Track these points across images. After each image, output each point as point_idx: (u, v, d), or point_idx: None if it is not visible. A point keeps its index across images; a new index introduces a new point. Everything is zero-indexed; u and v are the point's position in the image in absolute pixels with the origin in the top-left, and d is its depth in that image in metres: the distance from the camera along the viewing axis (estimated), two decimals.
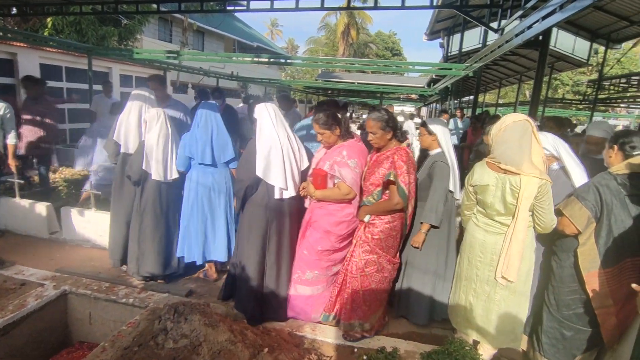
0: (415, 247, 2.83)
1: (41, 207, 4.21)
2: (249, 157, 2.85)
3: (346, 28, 32.65)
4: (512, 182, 2.18)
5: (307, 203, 2.95)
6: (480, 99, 21.18)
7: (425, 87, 16.40)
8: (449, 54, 11.88)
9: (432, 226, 2.78)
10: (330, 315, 2.84)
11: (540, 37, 4.05)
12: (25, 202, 4.26)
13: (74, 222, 4.06)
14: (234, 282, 3.02)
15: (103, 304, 3.06)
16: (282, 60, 7.91)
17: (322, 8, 5.30)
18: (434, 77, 15.30)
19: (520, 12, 4.42)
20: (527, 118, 2.18)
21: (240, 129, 5.10)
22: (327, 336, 2.72)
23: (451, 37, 11.97)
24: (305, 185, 2.86)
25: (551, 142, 2.51)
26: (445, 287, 2.92)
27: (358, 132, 3.52)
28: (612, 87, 12.32)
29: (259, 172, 2.73)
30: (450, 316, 2.63)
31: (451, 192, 2.86)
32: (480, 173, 2.33)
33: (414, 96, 23.24)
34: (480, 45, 9.29)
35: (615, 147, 2.19)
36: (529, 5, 4.16)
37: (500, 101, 19.46)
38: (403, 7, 5.06)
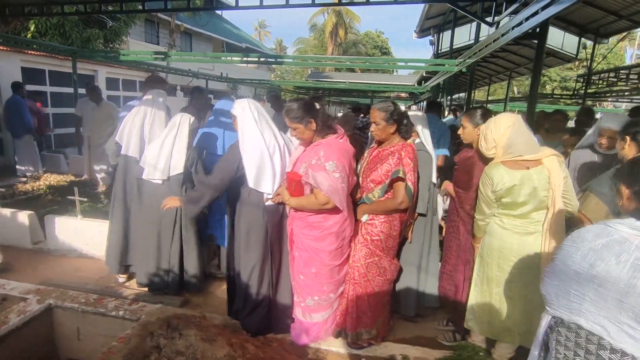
0: (406, 239, 2.75)
1: (23, 216, 3.99)
2: (228, 164, 2.55)
3: (334, 28, 32.56)
4: (538, 174, 2.10)
5: (287, 209, 2.58)
6: (479, 95, 21.33)
7: (416, 85, 16.38)
8: (439, 51, 11.86)
9: (419, 214, 2.74)
10: (341, 331, 2.63)
11: (538, 30, 3.98)
12: (6, 211, 4.05)
13: (58, 231, 3.86)
14: (234, 294, 2.84)
15: (91, 318, 2.88)
16: (273, 60, 7.78)
17: (313, 4, 5.17)
18: (424, 75, 15.38)
19: (516, 5, 4.35)
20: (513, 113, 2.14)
21: None
22: (331, 345, 2.58)
23: (441, 34, 11.96)
24: (279, 191, 2.51)
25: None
26: (428, 280, 2.92)
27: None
28: (599, 82, 12.40)
29: (251, 183, 2.49)
30: (472, 322, 2.45)
31: (433, 183, 2.82)
32: (499, 176, 2.17)
33: (403, 95, 23.24)
34: (472, 42, 9.28)
35: (628, 137, 2.09)
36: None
37: (490, 98, 19.54)
38: (396, 1, 4.98)
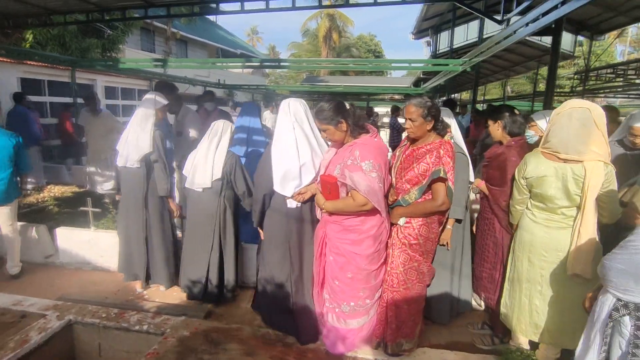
0: (443, 245, 2.66)
1: (33, 229, 3.87)
2: (264, 164, 2.54)
3: (328, 32, 32.60)
4: (574, 170, 2.02)
5: (318, 213, 2.51)
6: (465, 96, 21.38)
7: (412, 86, 16.40)
8: (437, 52, 11.88)
9: (456, 220, 2.66)
10: (380, 342, 2.52)
11: (554, 25, 3.96)
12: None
13: (71, 244, 3.74)
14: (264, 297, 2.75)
15: (113, 333, 2.77)
16: (276, 64, 7.71)
17: (292, 8, 5.08)
18: (421, 76, 15.43)
19: (528, 2, 4.34)
20: (588, 105, 2.01)
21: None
22: (368, 354, 2.49)
23: (438, 35, 11.99)
24: (303, 191, 2.44)
25: (546, 119, 2.51)
26: (462, 283, 2.86)
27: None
28: (593, 78, 12.48)
29: (276, 186, 2.43)
30: (509, 323, 2.40)
31: (470, 182, 2.76)
32: (536, 164, 2.15)
33: (397, 96, 23.25)
34: (471, 41, 9.31)
35: None
36: None
37: (485, 98, 19.60)
38: (404, 2, 4.95)
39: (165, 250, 3.22)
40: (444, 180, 2.24)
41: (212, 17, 20.80)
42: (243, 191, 2.98)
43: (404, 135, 2.65)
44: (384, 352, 2.47)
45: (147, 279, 3.27)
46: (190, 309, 3.04)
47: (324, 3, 5.02)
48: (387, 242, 2.44)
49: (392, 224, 2.44)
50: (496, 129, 2.69)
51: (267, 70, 33.18)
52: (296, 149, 2.42)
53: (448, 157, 2.26)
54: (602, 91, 13.91)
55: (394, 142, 8.86)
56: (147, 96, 3.10)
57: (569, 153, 2.03)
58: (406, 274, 2.39)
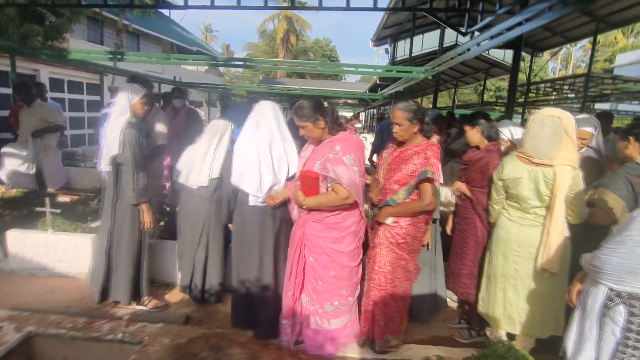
0: (422, 245, 2.75)
1: None
2: (230, 161, 2.61)
3: (286, 34, 32.57)
4: (545, 173, 2.20)
5: (295, 214, 2.55)
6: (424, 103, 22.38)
7: (367, 92, 16.84)
8: (394, 59, 12.32)
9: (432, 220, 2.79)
10: (366, 340, 2.57)
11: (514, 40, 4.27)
12: None
13: (23, 248, 3.38)
14: (242, 306, 2.68)
15: (82, 345, 2.55)
16: (241, 63, 7.54)
17: (265, 7, 5.05)
18: (377, 82, 15.93)
19: (491, 18, 4.65)
20: (559, 114, 2.19)
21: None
22: (355, 351, 2.52)
23: (396, 43, 12.46)
24: (274, 195, 2.48)
25: (510, 129, 2.96)
26: (439, 279, 2.98)
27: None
28: (534, 91, 13.61)
29: (233, 179, 2.50)
30: (486, 316, 2.55)
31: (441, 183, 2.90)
32: (512, 166, 2.32)
33: (350, 101, 23.69)
34: (434, 49, 9.77)
35: (631, 138, 2.29)
36: (500, 12, 4.40)
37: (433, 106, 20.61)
38: (375, 8, 5.09)
39: (128, 265, 2.84)
40: (431, 180, 2.32)
41: (166, 12, 19.89)
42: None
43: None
44: (372, 350, 2.51)
45: (104, 294, 2.92)
46: (167, 315, 2.88)
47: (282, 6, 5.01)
48: (369, 240, 2.52)
49: (378, 223, 2.48)
50: (475, 134, 2.82)
51: (221, 70, 32.44)
52: (256, 147, 2.46)
53: (435, 159, 2.35)
54: (540, 103, 15.24)
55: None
56: (121, 90, 2.83)
57: (541, 157, 2.21)
58: (394, 272, 2.44)
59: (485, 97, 31.71)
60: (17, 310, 2.74)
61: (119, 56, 7.02)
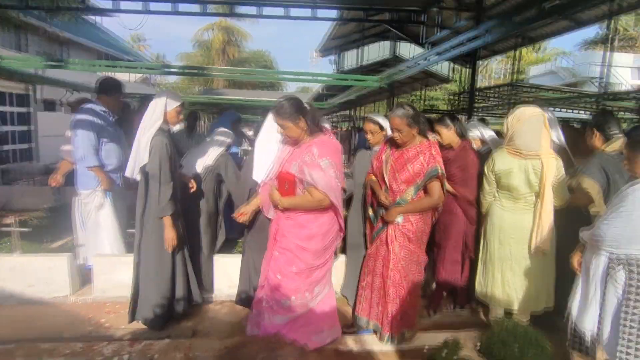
0: None
1: None
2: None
3: (223, 45, 31.97)
4: (533, 164, 2.51)
5: (270, 213, 2.56)
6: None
7: (312, 101, 17.21)
8: (341, 69, 12.79)
9: None
10: (370, 322, 2.66)
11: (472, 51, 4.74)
12: None
13: None
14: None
15: None
16: (196, 71, 7.34)
17: (202, 14, 5.04)
18: (323, 91, 16.39)
19: (447, 32, 5.10)
20: (540, 112, 2.52)
21: None
22: (374, 343, 2.60)
23: (342, 53, 12.97)
24: (244, 210, 2.54)
25: (479, 129, 3.27)
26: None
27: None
28: (466, 99, 14.91)
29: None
30: (485, 297, 2.79)
31: None
32: (502, 160, 2.59)
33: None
34: (382, 58, 10.32)
35: (595, 130, 2.67)
36: (459, 24, 4.85)
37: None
38: (342, 19, 5.33)
39: (155, 282, 2.64)
40: (439, 177, 2.48)
41: (93, 20, 18.53)
42: None
43: None
44: (389, 343, 2.59)
45: (133, 313, 2.69)
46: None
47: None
48: (333, 245, 2.57)
49: (385, 223, 2.57)
50: (451, 135, 3.05)
51: (154, 80, 30.90)
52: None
53: (439, 156, 2.51)
54: (484, 109, 16.71)
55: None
56: (157, 96, 2.66)
57: (530, 150, 2.51)
58: (408, 267, 2.55)
59: (419, 107, 34.03)
60: None
61: (60, 64, 6.50)
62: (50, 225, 4.10)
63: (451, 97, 16.48)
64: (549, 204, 2.51)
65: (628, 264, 1.81)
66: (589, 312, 1.96)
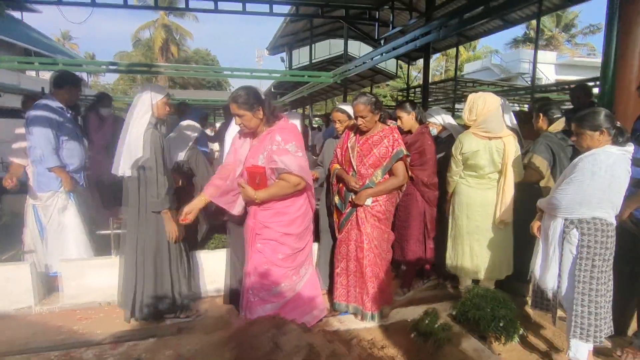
0: None
1: None
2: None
3: (165, 43, 30.63)
4: (496, 145, 2.78)
5: (236, 209, 2.56)
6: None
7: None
8: (291, 66, 12.87)
9: None
10: (349, 306, 2.78)
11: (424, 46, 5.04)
12: None
13: None
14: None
15: None
16: (145, 69, 7.02)
17: (124, 5, 4.83)
18: (272, 90, 16.40)
19: (398, 28, 5.37)
20: (499, 98, 2.82)
21: None
22: (357, 322, 2.72)
23: (292, 51, 13.04)
24: (187, 210, 2.47)
25: (441, 115, 3.47)
26: None
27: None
28: (413, 95, 15.68)
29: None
30: (455, 269, 3.03)
31: None
32: (469, 142, 2.82)
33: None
34: (332, 55, 10.52)
35: (540, 114, 3.01)
36: (411, 22, 5.12)
37: (319, 112, 21.76)
38: (297, 15, 5.40)
39: (154, 279, 2.62)
40: (403, 158, 2.65)
41: (18, 16, 16.91)
42: None
43: None
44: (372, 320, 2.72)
45: (133, 312, 2.63)
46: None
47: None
48: (310, 224, 2.66)
49: (354, 206, 2.70)
50: (410, 119, 3.21)
51: (90, 81, 28.90)
52: None
53: (401, 139, 2.70)
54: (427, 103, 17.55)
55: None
56: (142, 90, 2.58)
57: (495, 132, 2.79)
58: (380, 246, 2.72)
59: None
60: None
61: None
62: None
63: (398, 92, 17.19)
64: (510, 179, 2.79)
65: (580, 227, 2.08)
66: (550, 271, 2.23)
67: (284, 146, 2.32)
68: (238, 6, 5.04)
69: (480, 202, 2.87)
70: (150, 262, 2.57)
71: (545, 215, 2.30)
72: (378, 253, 2.71)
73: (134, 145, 2.43)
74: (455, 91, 11.25)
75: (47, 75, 18.99)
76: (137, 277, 2.58)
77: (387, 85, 25.61)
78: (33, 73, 17.07)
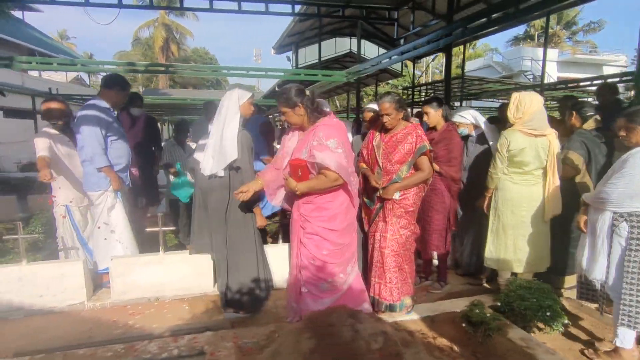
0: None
1: None
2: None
3: (165, 42, 30.52)
4: (542, 142, 2.88)
5: (275, 200, 2.69)
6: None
7: (262, 99, 17.19)
8: (298, 65, 12.90)
9: None
10: (388, 305, 2.81)
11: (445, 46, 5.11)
12: None
13: None
14: None
15: None
16: (162, 69, 7.04)
17: (119, 5, 4.84)
18: (276, 89, 16.41)
19: (418, 29, 5.43)
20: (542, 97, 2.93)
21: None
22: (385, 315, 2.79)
23: (299, 49, 13.08)
24: (244, 188, 2.54)
25: (472, 114, 3.47)
26: None
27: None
28: (417, 93, 15.79)
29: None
30: (496, 262, 3.10)
31: None
32: (516, 139, 2.88)
33: None
34: (339, 54, 10.53)
35: (574, 112, 3.10)
36: (432, 23, 5.19)
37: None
38: (267, 12, 5.42)
39: (244, 272, 2.81)
40: (427, 153, 2.73)
41: (20, 15, 16.86)
42: None
43: None
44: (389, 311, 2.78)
45: (226, 305, 2.80)
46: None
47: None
48: (354, 221, 2.70)
49: (382, 200, 2.79)
50: (438, 115, 3.31)
51: (90, 81, 28.83)
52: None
53: (424, 135, 2.78)
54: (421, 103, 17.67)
55: None
56: (228, 92, 2.70)
57: (540, 130, 2.87)
58: (406, 237, 2.80)
59: (365, 101, 35.05)
60: (25, 356, 2.26)
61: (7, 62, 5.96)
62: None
63: (404, 90, 17.27)
64: (557, 175, 2.89)
65: (630, 220, 2.17)
66: (598, 263, 2.32)
67: (325, 142, 2.38)
68: (234, 5, 5.05)
69: (526, 197, 2.95)
70: (241, 255, 2.74)
71: (591, 209, 2.39)
72: (402, 243, 2.77)
73: (229, 148, 2.56)
74: (462, 89, 11.31)
75: (49, 75, 18.94)
76: (228, 270, 2.71)
77: (388, 83, 25.68)
78: (36, 73, 17.06)
